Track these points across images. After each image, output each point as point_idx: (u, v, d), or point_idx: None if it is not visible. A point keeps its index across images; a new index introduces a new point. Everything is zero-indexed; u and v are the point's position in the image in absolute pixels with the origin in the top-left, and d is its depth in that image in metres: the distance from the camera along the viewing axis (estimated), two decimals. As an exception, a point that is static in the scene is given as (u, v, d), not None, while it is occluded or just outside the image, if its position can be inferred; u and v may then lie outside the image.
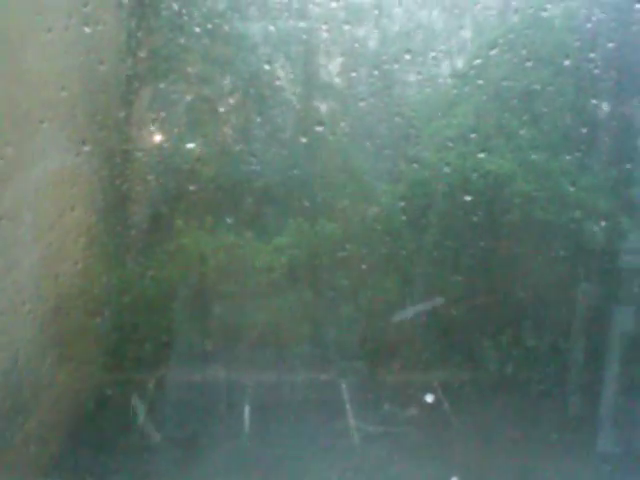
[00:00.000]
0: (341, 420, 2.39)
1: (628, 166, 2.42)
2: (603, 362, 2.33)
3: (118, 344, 2.46)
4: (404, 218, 2.48)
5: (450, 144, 2.40)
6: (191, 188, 2.55)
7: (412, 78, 2.55)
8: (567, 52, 2.46)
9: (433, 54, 2.47)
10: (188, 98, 2.63)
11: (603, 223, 2.33)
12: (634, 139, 2.56)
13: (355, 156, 2.60)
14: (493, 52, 2.47)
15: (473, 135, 2.40)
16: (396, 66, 2.51)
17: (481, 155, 2.34)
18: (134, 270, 2.54)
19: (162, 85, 2.65)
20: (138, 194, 2.58)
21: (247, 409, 2.44)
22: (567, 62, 2.40)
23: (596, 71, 2.34)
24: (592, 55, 2.43)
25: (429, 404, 2.44)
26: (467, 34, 2.60)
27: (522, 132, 2.41)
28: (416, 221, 2.49)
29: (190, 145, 2.60)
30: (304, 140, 2.62)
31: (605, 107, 2.47)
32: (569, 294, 2.37)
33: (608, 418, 2.30)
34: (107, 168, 2.53)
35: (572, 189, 2.32)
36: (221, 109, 2.65)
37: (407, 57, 2.48)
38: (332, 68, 2.69)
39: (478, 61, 2.45)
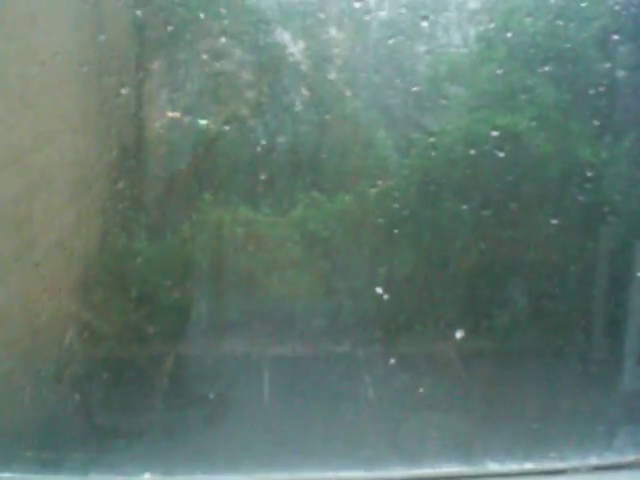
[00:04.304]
0: (358, 387, 2.42)
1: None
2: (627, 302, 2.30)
3: (138, 318, 2.50)
4: (421, 189, 2.46)
5: (469, 110, 2.39)
6: (206, 164, 2.56)
7: (430, 46, 2.52)
8: (593, 14, 2.43)
9: (452, 19, 2.44)
10: (202, 73, 2.63)
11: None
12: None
13: (371, 128, 2.58)
14: (516, 16, 2.43)
15: (493, 100, 2.37)
16: (412, 34, 2.48)
17: (502, 119, 2.31)
18: (153, 246, 2.57)
19: (176, 60, 2.66)
20: (154, 171, 2.60)
21: (266, 380, 2.47)
22: (594, 24, 2.35)
23: (621, 35, 2.30)
24: (618, 18, 2.39)
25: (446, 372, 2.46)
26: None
27: (545, 97, 2.37)
28: (433, 191, 2.47)
29: (204, 120, 2.61)
30: (319, 113, 2.61)
31: (629, 71, 2.42)
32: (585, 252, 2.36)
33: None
34: (122, 146, 2.55)
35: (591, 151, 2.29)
36: (235, 83, 2.65)
37: (424, 24, 2.44)
38: (346, 39, 2.67)
39: (499, 24, 2.41)
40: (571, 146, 2.36)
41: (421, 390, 2.45)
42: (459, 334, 2.25)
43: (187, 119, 2.61)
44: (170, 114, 2.66)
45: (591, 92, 2.40)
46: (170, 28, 2.59)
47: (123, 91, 2.52)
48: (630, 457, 2.02)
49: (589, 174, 2.36)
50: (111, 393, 2.36)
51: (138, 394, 2.44)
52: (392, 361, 2.48)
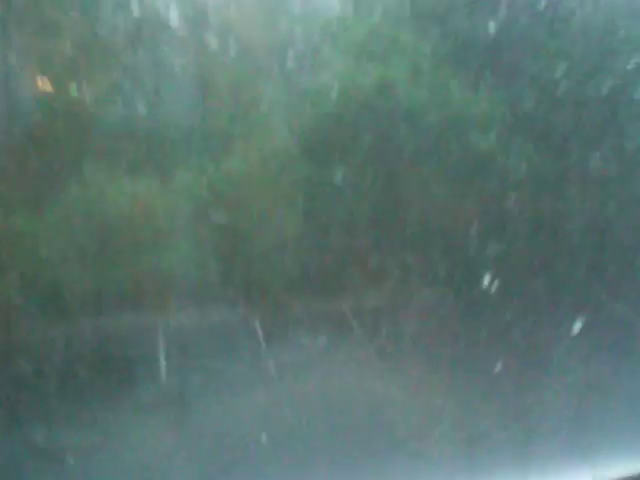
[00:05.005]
0: (257, 353, 2.41)
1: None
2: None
3: (21, 300, 2.38)
4: (306, 148, 2.47)
5: (345, 65, 2.41)
6: (84, 135, 2.47)
7: (303, 7, 2.53)
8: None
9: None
10: (73, 40, 2.53)
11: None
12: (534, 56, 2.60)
13: (253, 90, 2.57)
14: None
15: (368, 54, 2.40)
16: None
17: (378, 71, 2.35)
18: (34, 223, 2.45)
19: (46, 28, 2.53)
20: (29, 145, 2.48)
21: (162, 352, 2.42)
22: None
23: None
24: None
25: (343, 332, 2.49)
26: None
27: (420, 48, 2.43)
28: (316, 149, 2.49)
29: (81, 91, 2.51)
30: (199, 78, 2.57)
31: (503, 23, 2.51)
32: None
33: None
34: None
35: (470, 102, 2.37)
36: (111, 52, 2.56)
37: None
38: (223, 2, 2.64)
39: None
40: (446, 97, 2.43)
41: (323, 350, 2.47)
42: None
43: (61, 90, 2.50)
44: (42, 85, 2.54)
45: (466, 43, 2.49)
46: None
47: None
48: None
49: (466, 124, 2.44)
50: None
51: (24, 381, 2.33)
52: (290, 324, 2.50)
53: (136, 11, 2.59)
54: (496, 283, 2.38)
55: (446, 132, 2.41)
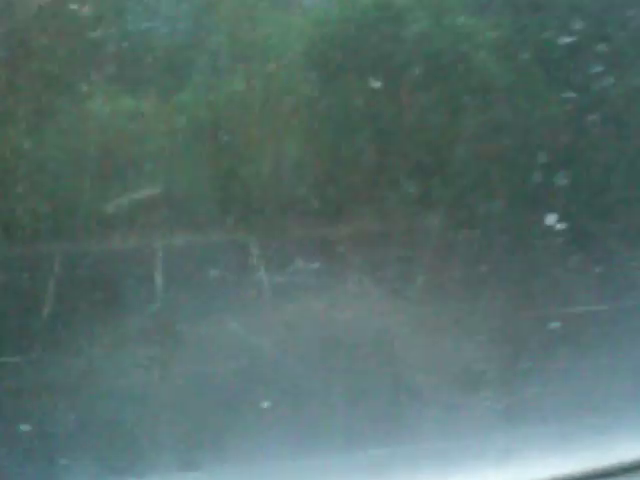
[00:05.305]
0: (252, 275, 2.41)
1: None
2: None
3: (19, 214, 2.39)
4: (307, 68, 2.42)
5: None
6: (85, 51, 2.43)
7: None
8: None
9: None
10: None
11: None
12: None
13: (252, 9, 2.50)
14: None
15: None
16: None
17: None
18: (34, 138, 2.44)
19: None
20: (28, 59, 2.45)
21: (159, 272, 2.42)
22: None
23: None
24: None
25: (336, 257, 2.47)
26: None
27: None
28: (318, 70, 2.43)
29: (80, 5, 2.46)
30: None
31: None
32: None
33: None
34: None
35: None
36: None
37: None
38: None
39: None
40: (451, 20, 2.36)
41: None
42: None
43: (59, 5, 2.46)
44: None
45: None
46: None
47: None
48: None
49: (470, 49, 2.37)
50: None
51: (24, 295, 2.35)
52: (283, 247, 2.48)
53: None
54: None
55: (449, 55, 2.34)
